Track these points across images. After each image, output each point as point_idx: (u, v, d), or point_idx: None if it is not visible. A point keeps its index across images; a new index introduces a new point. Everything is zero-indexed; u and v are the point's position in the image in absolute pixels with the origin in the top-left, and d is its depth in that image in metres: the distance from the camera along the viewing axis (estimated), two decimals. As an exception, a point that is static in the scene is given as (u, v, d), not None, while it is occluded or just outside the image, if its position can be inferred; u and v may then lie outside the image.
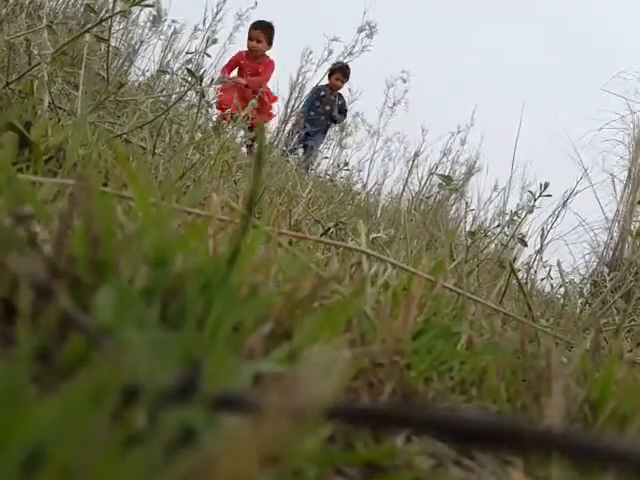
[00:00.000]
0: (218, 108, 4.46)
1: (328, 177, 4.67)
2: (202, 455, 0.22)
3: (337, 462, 0.37)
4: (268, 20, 4.75)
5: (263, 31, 4.67)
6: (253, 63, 4.69)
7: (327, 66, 5.69)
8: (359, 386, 0.49)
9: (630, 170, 3.57)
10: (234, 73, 4.74)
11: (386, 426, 0.25)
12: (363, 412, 0.25)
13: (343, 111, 5.83)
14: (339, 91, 5.75)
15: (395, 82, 5.90)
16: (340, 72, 5.67)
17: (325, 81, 5.75)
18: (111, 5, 1.31)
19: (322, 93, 5.70)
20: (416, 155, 5.32)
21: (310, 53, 5.72)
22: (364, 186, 4.91)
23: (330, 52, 5.61)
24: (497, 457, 0.45)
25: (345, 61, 5.72)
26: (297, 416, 0.21)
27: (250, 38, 4.66)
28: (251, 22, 4.80)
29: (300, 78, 5.71)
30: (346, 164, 4.73)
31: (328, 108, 5.66)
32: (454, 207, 4.95)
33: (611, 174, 3.56)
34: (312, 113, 5.68)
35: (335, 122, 5.81)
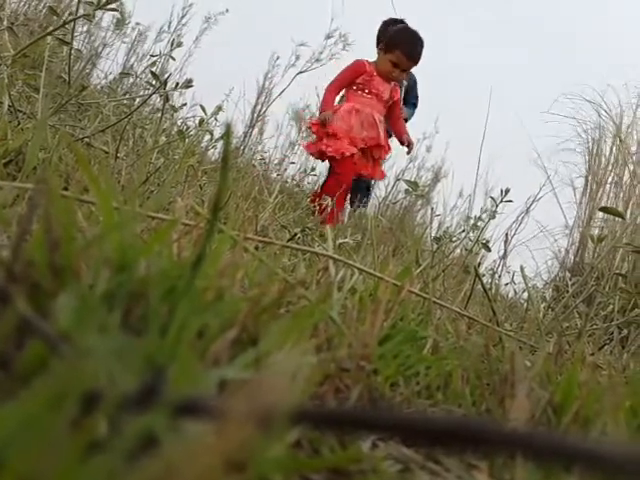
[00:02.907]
0: (316, 144, 3.28)
1: (295, 182, 4.65)
2: (164, 462, 0.21)
3: (303, 468, 0.37)
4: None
5: (415, 64, 3.32)
6: (385, 83, 3.31)
7: (294, 71, 5.11)
8: (326, 391, 0.48)
9: (587, 178, 3.66)
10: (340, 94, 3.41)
11: (352, 430, 0.25)
12: (329, 416, 0.24)
13: (413, 99, 3.78)
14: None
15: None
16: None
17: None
18: (74, 8, 1.29)
19: None
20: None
21: (277, 58, 5.66)
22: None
23: (297, 57, 5.49)
24: (462, 461, 0.45)
25: (314, 67, 4.73)
26: (262, 422, 0.21)
27: (397, 65, 3.24)
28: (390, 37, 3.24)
29: (267, 83, 5.64)
30: (313, 169, 4.72)
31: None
32: (420, 213, 4.99)
33: (570, 181, 3.64)
34: None
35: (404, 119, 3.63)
